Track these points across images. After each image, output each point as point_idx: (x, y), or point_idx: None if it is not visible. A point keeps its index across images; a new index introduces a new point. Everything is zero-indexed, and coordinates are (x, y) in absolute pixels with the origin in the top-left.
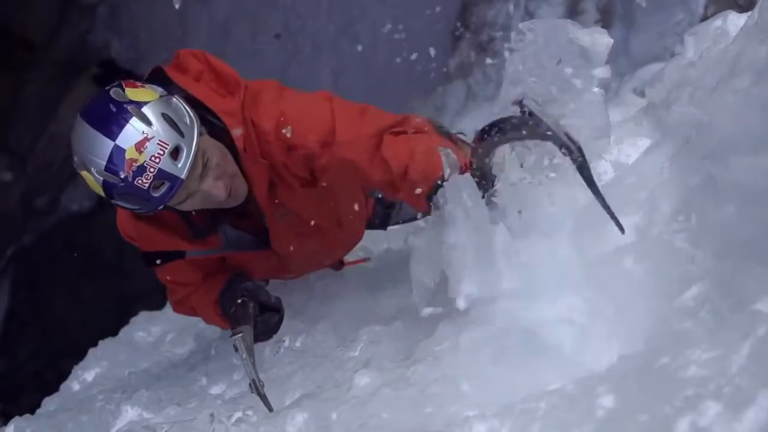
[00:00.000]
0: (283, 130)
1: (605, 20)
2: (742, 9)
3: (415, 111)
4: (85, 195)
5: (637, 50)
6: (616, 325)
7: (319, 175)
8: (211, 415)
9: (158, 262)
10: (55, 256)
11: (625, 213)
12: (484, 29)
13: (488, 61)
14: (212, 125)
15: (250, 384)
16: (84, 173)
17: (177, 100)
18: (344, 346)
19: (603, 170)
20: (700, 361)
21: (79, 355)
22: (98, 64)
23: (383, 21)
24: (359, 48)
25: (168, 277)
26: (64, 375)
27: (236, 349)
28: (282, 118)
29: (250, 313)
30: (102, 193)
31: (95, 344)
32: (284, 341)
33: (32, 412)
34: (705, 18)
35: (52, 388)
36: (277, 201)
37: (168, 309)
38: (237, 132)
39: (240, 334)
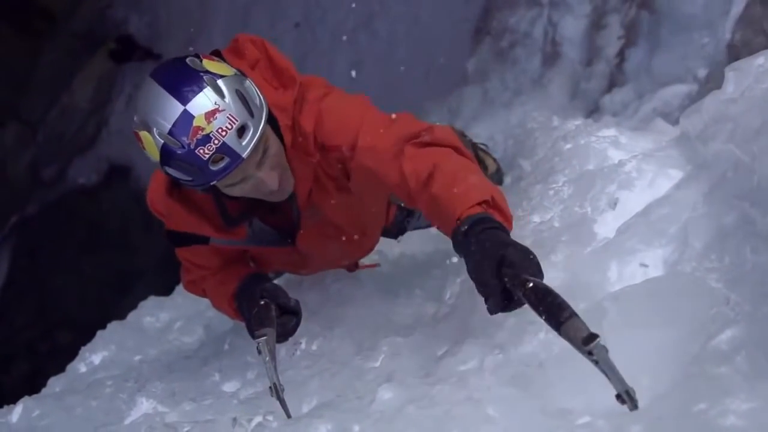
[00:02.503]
0: (318, 132)
1: (629, 37)
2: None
3: (429, 111)
4: (93, 169)
5: (660, 70)
6: (644, 360)
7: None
8: (234, 419)
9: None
10: (58, 228)
11: (655, 246)
12: (505, 35)
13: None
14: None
15: (270, 387)
16: (143, 133)
17: (250, 82)
18: (363, 354)
19: None
20: (739, 411)
21: (73, 328)
22: (116, 40)
23: (403, 18)
24: (377, 43)
25: (187, 257)
26: (57, 347)
27: (259, 352)
28: (319, 119)
29: (272, 315)
30: (157, 157)
31: (91, 318)
32: (301, 343)
33: (23, 381)
34: (731, 44)
35: (45, 359)
36: (310, 201)
37: (176, 295)
38: (286, 128)
39: (264, 337)
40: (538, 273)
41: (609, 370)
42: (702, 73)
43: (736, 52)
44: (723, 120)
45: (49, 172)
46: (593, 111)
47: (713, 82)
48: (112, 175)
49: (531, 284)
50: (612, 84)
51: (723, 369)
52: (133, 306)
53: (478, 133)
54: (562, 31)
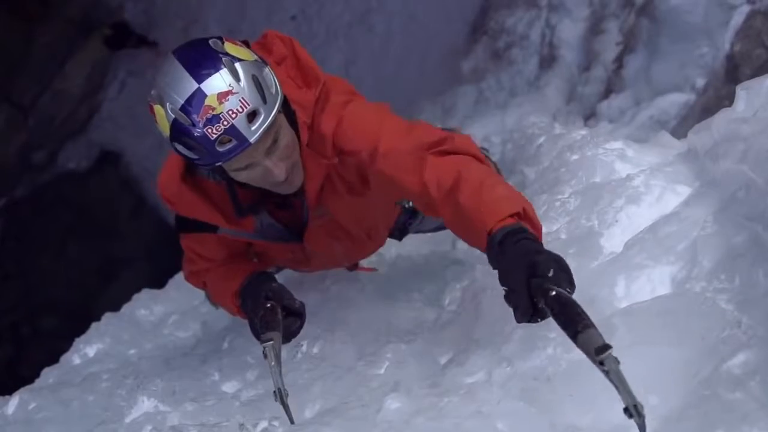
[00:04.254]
0: (338, 136)
1: (628, 43)
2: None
3: (423, 109)
4: (83, 154)
5: (658, 78)
6: (653, 378)
7: (369, 185)
8: (241, 424)
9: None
10: (46, 212)
11: (663, 262)
12: (502, 36)
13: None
14: (284, 111)
15: (274, 392)
16: (157, 107)
17: (269, 70)
18: (365, 360)
19: None
20: None
21: (57, 313)
22: (111, 26)
23: (400, 14)
24: (373, 39)
25: (192, 247)
26: (40, 331)
27: (265, 356)
28: (340, 124)
29: (279, 319)
30: (167, 132)
31: (75, 303)
32: (302, 345)
33: (7, 365)
34: (730, 55)
35: (28, 343)
36: (320, 201)
37: (170, 288)
38: (304, 125)
39: (271, 342)
40: (569, 285)
41: (618, 382)
42: (700, 82)
43: (734, 64)
44: (734, 139)
45: (39, 156)
46: (590, 116)
47: (711, 92)
48: (102, 161)
49: (554, 293)
50: (609, 90)
51: (737, 394)
52: (119, 293)
53: (473, 133)
54: (559, 34)
